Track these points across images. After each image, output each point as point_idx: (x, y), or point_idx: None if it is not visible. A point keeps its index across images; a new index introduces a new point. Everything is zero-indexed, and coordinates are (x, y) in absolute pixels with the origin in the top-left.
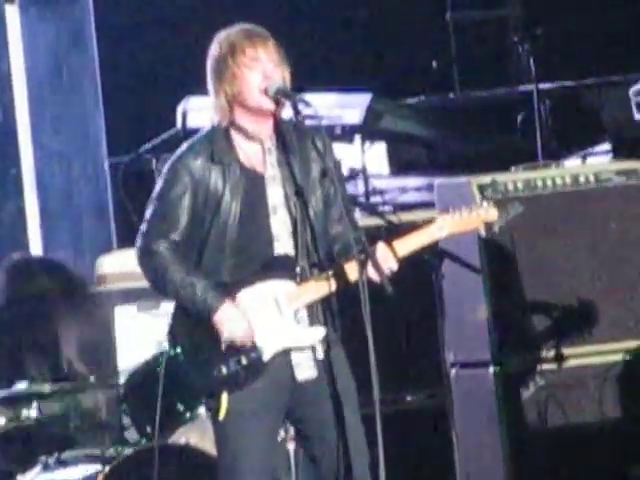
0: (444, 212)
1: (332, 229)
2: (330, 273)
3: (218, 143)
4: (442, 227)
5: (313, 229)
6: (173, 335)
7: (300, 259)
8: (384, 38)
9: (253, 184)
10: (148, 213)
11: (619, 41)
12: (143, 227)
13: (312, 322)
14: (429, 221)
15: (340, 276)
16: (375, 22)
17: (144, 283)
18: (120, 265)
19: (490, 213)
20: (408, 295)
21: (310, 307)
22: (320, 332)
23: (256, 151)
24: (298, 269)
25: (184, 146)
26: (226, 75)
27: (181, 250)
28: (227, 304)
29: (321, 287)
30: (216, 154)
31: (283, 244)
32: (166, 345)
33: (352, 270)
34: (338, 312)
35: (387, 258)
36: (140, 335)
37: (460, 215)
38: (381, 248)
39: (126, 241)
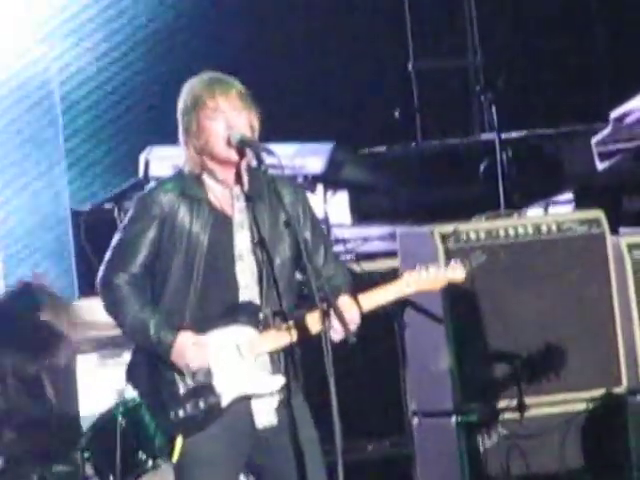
0: (411, 269)
1: (324, 272)
2: (293, 323)
3: (189, 181)
4: (409, 284)
5: (276, 278)
6: (130, 377)
7: (264, 306)
8: (346, 86)
9: (221, 225)
10: (112, 244)
11: (581, 91)
12: (106, 257)
13: (273, 370)
14: (396, 277)
15: (302, 326)
16: (337, 71)
17: (106, 332)
18: (83, 314)
19: (457, 272)
20: (371, 344)
21: (272, 355)
22: (280, 380)
23: (225, 195)
24: (261, 316)
25: (154, 183)
26: (192, 128)
27: (140, 284)
28: (181, 335)
29: (283, 336)
30: (186, 190)
31: (247, 291)
32: (127, 394)
33: (314, 321)
34: (300, 360)
35: (351, 311)
36: (102, 384)
37: (427, 273)
38: (346, 301)
39: (88, 289)
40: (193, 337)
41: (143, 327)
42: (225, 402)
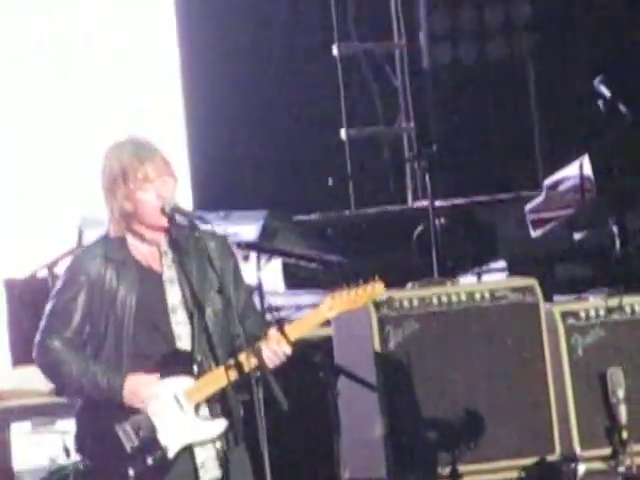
0: (332, 293)
1: (233, 329)
2: (225, 367)
3: (113, 244)
4: (331, 307)
5: (208, 328)
6: (77, 440)
7: (197, 355)
8: (280, 153)
9: (150, 283)
10: (45, 311)
11: (514, 158)
12: (41, 325)
13: (213, 416)
14: (318, 304)
15: (236, 369)
16: (272, 137)
17: (40, 400)
18: (16, 382)
19: (377, 289)
20: (304, 411)
21: (209, 401)
22: (222, 424)
23: (153, 252)
24: (195, 365)
25: (80, 250)
26: (119, 195)
27: (78, 345)
28: (130, 376)
29: (219, 380)
30: (111, 255)
31: (181, 343)
32: (60, 461)
33: (246, 361)
34: (237, 413)
35: (280, 342)
36: (35, 451)
37: (348, 294)
38: (273, 333)
39: (21, 358)
40: (142, 376)
41: (89, 376)
42: (172, 453)
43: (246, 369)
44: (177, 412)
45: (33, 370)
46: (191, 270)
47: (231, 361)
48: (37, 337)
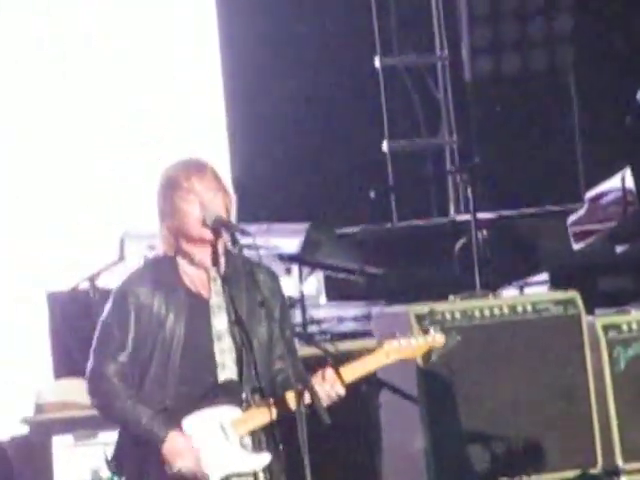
0: (391, 338)
1: (276, 364)
2: (273, 401)
3: (163, 269)
4: (389, 353)
5: (257, 358)
6: (117, 459)
7: (244, 386)
8: (322, 167)
9: (198, 310)
10: (95, 337)
11: (556, 171)
12: (91, 352)
13: (255, 448)
14: (375, 347)
15: (283, 404)
16: (314, 151)
17: (82, 413)
18: (58, 395)
19: (437, 339)
20: (346, 425)
21: (254, 434)
22: (265, 458)
23: (202, 277)
24: (243, 396)
25: (130, 273)
26: (167, 209)
27: (128, 373)
28: (174, 434)
29: (266, 414)
30: (161, 279)
31: (227, 371)
32: (102, 474)
33: (292, 400)
34: (280, 442)
35: (334, 383)
36: (77, 464)
37: (408, 341)
38: (329, 374)
39: (64, 371)
40: (183, 441)
41: (135, 417)
42: None
43: (292, 407)
44: (222, 441)
45: (75, 383)
46: (240, 298)
47: (283, 396)
48: (91, 362)
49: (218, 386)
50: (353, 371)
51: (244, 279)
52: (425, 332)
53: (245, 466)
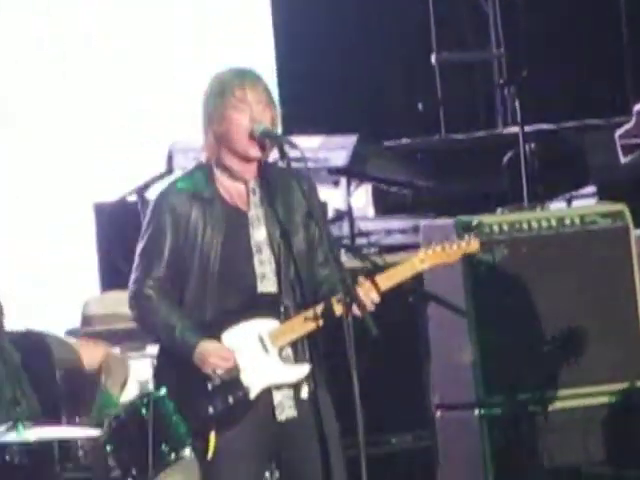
0: (426, 245)
1: (318, 272)
2: (314, 311)
3: (201, 180)
4: (423, 260)
5: (297, 268)
6: (159, 376)
7: (284, 297)
8: (370, 79)
9: (236, 222)
10: (136, 253)
11: (605, 84)
12: (133, 266)
13: (297, 359)
14: (410, 255)
15: (324, 314)
16: (361, 64)
17: (129, 325)
18: (106, 307)
19: (472, 245)
20: (393, 337)
21: (295, 345)
22: (305, 369)
23: (240, 190)
24: (282, 307)
25: (167, 184)
26: (214, 115)
27: (167, 287)
28: (204, 340)
29: (305, 324)
30: (198, 191)
31: (267, 283)
32: (150, 386)
33: (335, 307)
34: (323, 350)
35: (370, 291)
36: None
37: (442, 247)
38: (364, 282)
39: (111, 283)
40: (216, 346)
41: (169, 329)
42: (253, 394)
43: (334, 315)
44: (261, 354)
45: (122, 295)
46: (279, 209)
47: (320, 306)
48: (132, 278)
49: (257, 298)
50: (389, 278)
51: (281, 189)
52: (461, 237)
53: (284, 377)
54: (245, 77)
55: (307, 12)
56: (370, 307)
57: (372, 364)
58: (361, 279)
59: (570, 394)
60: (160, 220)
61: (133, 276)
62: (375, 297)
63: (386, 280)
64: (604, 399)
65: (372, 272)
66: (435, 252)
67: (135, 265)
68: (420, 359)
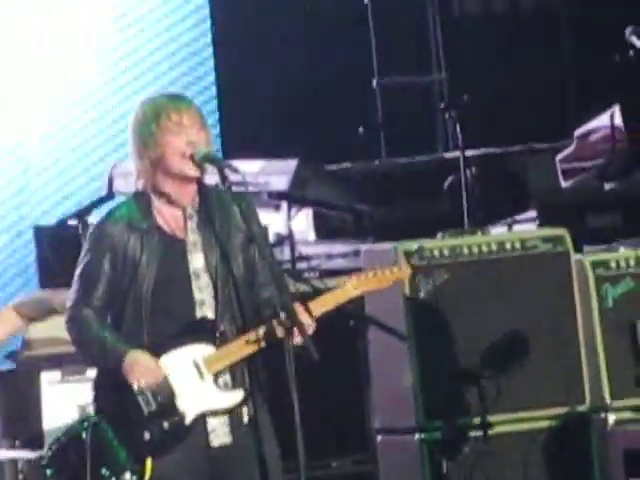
0: (359, 272)
1: (259, 295)
2: (254, 334)
3: (137, 209)
4: (356, 286)
5: (237, 292)
6: (97, 400)
7: (221, 323)
8: (311, 102)
9: (172, 250)
10: (73, 281)
11: (545, 108)
12: (69, 296)
13: (235, 385)
14: (344, 280)
15: (264, 337)
16: (302, 86)
17: (70, 348)
18: (46, 330)
19: (403, 271)
20: (334, 360)
21: (233, 370)
22: (239, 396)
23: (177, 217)
24: (218, 333)
25: (104, 213)
26: (149, 140)
27: (103, 313)
28: (134, 350)
29: (244, 348)
30: (135, 220)
31: (205, 309)
32: (91, 410)
33: (273, 332)
34: (263, 372)
35: (303, 317)
36: (66, 400)
37: (374, 273)
38: (297, 308)
39: None
40: (145, 357)
41: (101, 342)
42: (188, 420)
43: (272, 340)
44: (196, 380)
45: (63, 319)
46: (218, 233)
47: (260, 329)
48: (68, 303)
49: (194, 324)
50: (322, 304)
51: (219, 212)
52: (394, 263)
53: (219, 403)
54: (179, 101)
55: (248, 33)
56: (306, 331)
57: (313, 387)
58: (295, 305)
59: (510, 419)
60: (97, 248)
61: (69, 301)
62: (309, 323)
63: (320, 306)
64: (544, 424)
65: (306, 298)
66: (367, 278)
67: (72, 290)
68: (361, 383)
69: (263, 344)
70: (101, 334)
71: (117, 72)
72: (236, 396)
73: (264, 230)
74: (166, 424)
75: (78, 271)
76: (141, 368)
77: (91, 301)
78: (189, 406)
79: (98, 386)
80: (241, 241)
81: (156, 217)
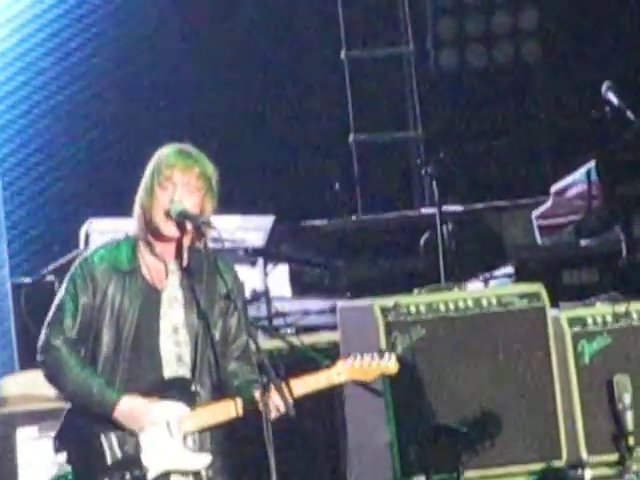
0: (346, 357)
1: (229, 365)
2: (229, 404)
3: (124, 251)
4: (341, 373)
5: (216, 356)
6: (62, 443)
7: (195, 383)
8: (287, 159)
9: (150, 299)
10: (51, 311)
11: (521, 165)
12: (45, 325)
13: (200, 448)
14: (329, 365)
15: (239, 409)
16: (278, 143)
17: (46, 405)
18: (23, 387)
19: (390, 366)
20: (311, 417)
21: (200, 433)
22: (207, 459)
23: (159, 269)
24: (192, 394)
25: (92, 248)
26: (145, 188)
27: (78, 348)
28: (127, 397)
29: (215, 415)
30: (119, 263)
31: (181, 365)
32: (68, 468)
33: (251, 404)
34: (227, 439)
35: (284, 395)
36: (42, 457)
37: (361, 363)
38: (280, 387)
39: (29, 363)
40: (143, 401)
41: (85, 386)
42: (151, 476)
43: (246, 406)
44: (166, 438)
45: (40, 374)
46: (201, 296)
47: (233, 402)
48: (42, 333)
49: (169, 381)
50: (304, 385)
51: (205, 273)
52: (381, 356)
53: (184, 464)
54: (180, 157)
55: (226, 93)
56: (282, 410)
57: (288, 445)
58: (277, 382)
59: (487, 475)
60: (77, 284)
61: (43, 334)
62: (289, 401)
63: (301, 387)
64: (523, 479)
65: (289, 375)
66: (353, 368)
67: (47, 324)
68: (337, 439)
69: (240, 413)
70: (84, 380)
71: None
72: (202, 460)
73: (241, 289)
74: (128, 475)
75: (56, 302)
76: (139, 413)
77: (66, 333)
78: (154, 462)
79: (64, 428)
80: (221, 310)
81: (141, 263)
